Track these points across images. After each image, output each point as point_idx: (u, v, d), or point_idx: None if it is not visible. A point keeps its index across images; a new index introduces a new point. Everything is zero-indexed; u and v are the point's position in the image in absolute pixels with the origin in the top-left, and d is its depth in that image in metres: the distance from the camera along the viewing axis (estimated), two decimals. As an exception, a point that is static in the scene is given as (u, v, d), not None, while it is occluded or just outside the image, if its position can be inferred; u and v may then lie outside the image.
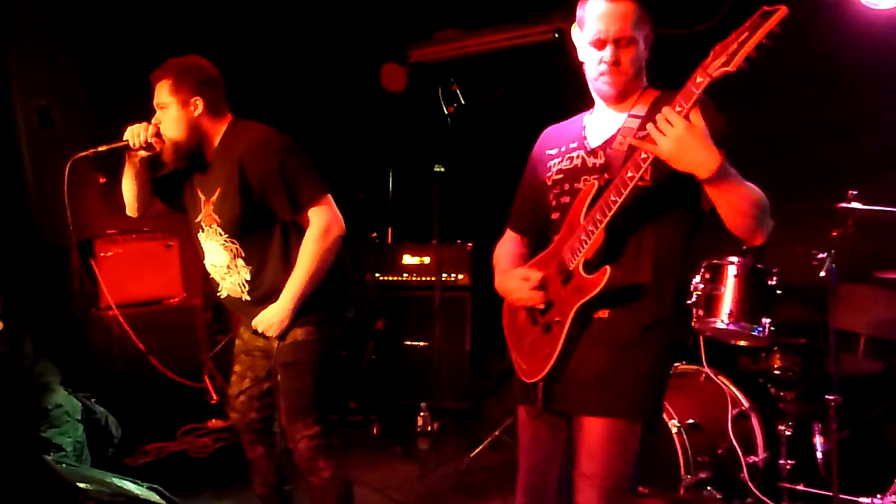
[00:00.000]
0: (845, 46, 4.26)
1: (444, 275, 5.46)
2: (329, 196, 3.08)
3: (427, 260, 5.62)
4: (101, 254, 4.67)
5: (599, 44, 2.26)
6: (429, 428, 5.17)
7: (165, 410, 4.76)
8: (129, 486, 3.53)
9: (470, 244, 5.54)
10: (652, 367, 2.30)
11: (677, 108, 2.02)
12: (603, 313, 2.30)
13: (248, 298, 3.14)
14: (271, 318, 3.05)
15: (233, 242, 3.08)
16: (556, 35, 5.13)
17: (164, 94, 3.03)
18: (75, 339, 4.57)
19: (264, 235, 3.09)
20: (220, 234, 3.08)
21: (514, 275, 2.47)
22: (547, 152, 2.53)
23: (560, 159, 2.46)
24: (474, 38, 5.70)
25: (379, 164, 6.14)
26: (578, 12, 2.34)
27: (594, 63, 2.30)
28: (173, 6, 4.95)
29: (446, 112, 4.75)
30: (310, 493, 3.21)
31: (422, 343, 5.56)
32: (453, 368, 5.34)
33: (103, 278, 4.63)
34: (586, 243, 2.23)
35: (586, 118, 2.49)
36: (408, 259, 5.67)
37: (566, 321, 2.27)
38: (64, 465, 3.70)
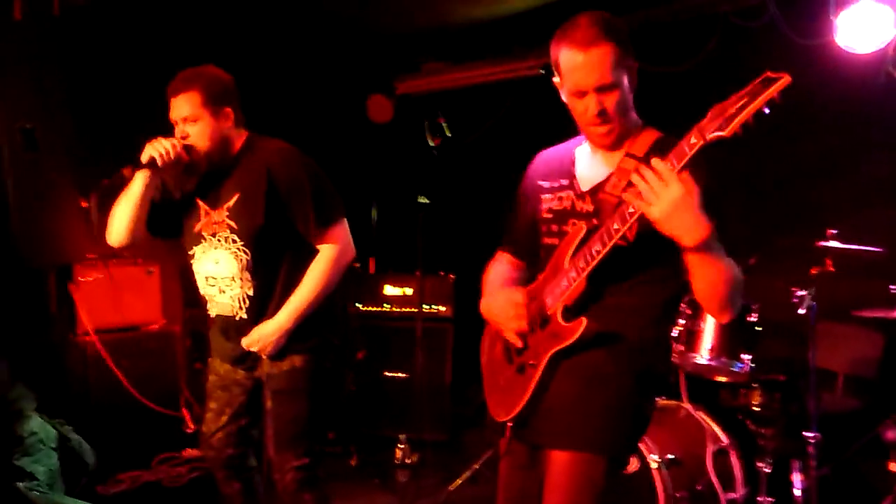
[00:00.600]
0: (825, 88, 4.31)
1: (426, 306, 5.45)
2: (346, 221, 3.07)
3: (409, 291, 5.62)
4: (81, 278, 4.62)
5: (580, 94, 2.17)
6: (408, 460, 5.13)
7: (141, 439, 4.70)
8: (101, 514, 3.50)
9: (452, 276, 5.56)
10: (622, 402, 2.24)
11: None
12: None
13: (244, 316, 3.03)
14: (268, 335, 2.96)
15: (246, 252, 2.98)
16: (543, 71, 5.18)
17: (192, 106, 2.91)
18: (52, 364, 4.51)
19: (277, 250, 3.02)
20: (234, 241, 2.98)
21: (502, 295, 2.39)
22: (539, 182, 2.46)
23: (551, 196, 2.40)
24: (461, 71, 5.80)
25: (363, 194, 6.14)
26: (552, 56, 2.24)
27: (580, 113, 2.21)
28: (157, 35, 4.98)
29: (432, 144, 4.77)
30: None
31: (402, 374, 5.55)
32: (433, 400, 5.32)
33: (82, 303, 4.58)
34: (567, 290, 2.20)
35: (578, 151, 2.41)
36: (390, 289, 5.67)
37: (539, 366, 2.23)
38: (36, 493, 3.66)
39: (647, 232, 2.09)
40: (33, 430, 3.95)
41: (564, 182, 2.38)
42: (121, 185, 2.93)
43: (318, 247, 3.02)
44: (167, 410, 4.84)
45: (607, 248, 2.09)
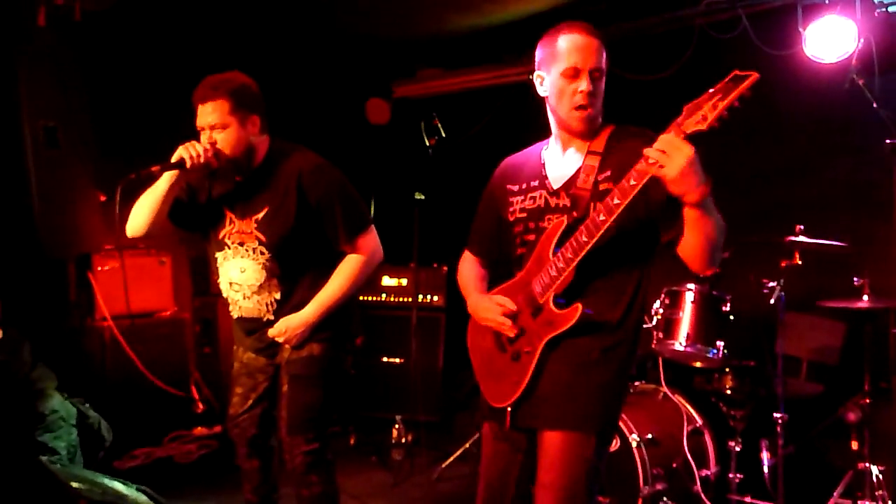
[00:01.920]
0: (793, 95, 4.37)
1: (421, 296, 5.49)
2: (373, 226, 3.05)
3: (405, 282, 5.65)
4: (98, 268, 4.64)
5: (574, 73, 2.23)
6: (403, 439, 5.20)
7: (153, 417, 4.72)
8: (118, 486, 3.51)
9: (445, 267, 5.58)
10: (608, 384, 2.29)
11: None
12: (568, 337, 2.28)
13: (272, 318, 3.00)
14: (294, 328, 2.94)
15: (273, 262, 2.94)
16: (530, 76, 5.21)
17: (220, 114, 2.83)
18: (71, 347, 4.53)
19: (305, 258, 2.98)
20: (262, 253, 2.93)
21: (488, 299, 2.45)
22: (507, 186, 2.49)
23: (522, 197, 2.42)
24: (454, 76, 5.82)
25: (362, 192, 6.12)
26: (544, 49, 2.30)
27: (568, 95, 2.25)
28: (169, 39, 4.99)
29: (427, 144, 4.79)
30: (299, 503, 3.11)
31: (398, 360, 5.59)
32: (427, 384, 5.35)
33: (99, 291, 4.60)
34: (556, 279, 2.22)
35: (545, 154, 2.44)
36: (387, 280, 5.71)
37: (535, 352, 2.26)
38: (58, 466, 3.69)
39: (626, 222, 2.16)
40: (54, 408, 3.96)
41: (535, 183, 2.41)
42: (147, 180, 2.87)
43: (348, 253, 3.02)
44: (178, 391, 4.87)
45: (595, 239, 2.13)
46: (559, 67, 2.25)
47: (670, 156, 1.99)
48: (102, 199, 4.44)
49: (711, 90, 1.95)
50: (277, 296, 2.99)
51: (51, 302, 4.56)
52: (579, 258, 2.17)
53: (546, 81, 2.32)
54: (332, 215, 2.94)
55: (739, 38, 4.38)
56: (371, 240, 3.04)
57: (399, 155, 5.89)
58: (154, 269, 4.95)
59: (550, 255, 2.26)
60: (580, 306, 2.18)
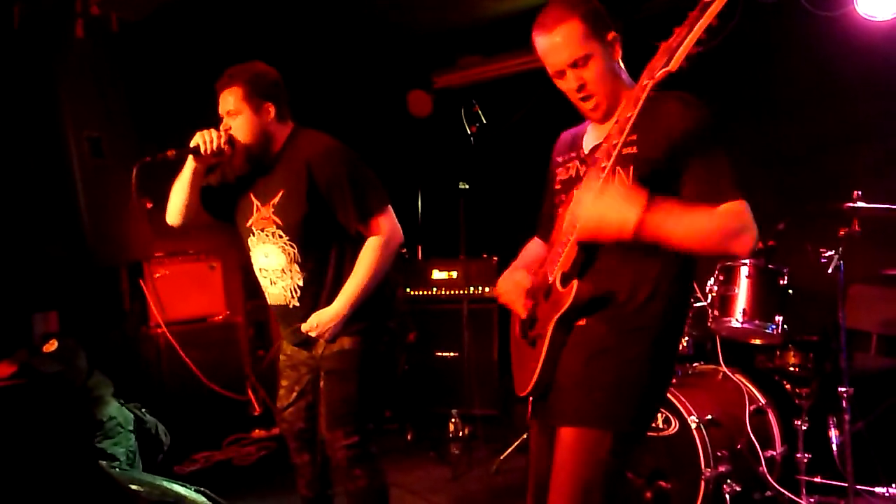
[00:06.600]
0: (846, 58, 4.25)
1: (472, 288, 5.48)
2: (390, 207, 3.04)
3: (455, 274, 5.64)
4: (150, 275, 4.75)
5: (558, 75, 2.11)
6: (460, 433, 5.17)
7: (212, 421, 4.81)
8: (177, 488, 3.59)
9: (495, 258, 5.56)
10: (628, 377, 2.08)
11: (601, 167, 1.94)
12: (582, 321, 2.11)
13: (297, 304, 3.04)
14: (326, 322, 2.95)
15: (292, 245, 2.97)
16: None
17: (234, 101, 2.91)
18: (128, 354, 4.65)
19: (323, 241, 3.00)
20: (281, 237, 2.98)
21: (512, 274, 2.34)
22: (557, 158, 2.40)
23: (563, 169, 2.33)
24: (494, 63, 5.80)
25: (408, 185, 6.17)
26: (534, 48, 2.16)
27: (567, 93, 2.15)
28: (207, 42, 5.06)
29: (469, 131, 4.77)
30: (347, 499, 3.12)
31: (452, 353, 5.58)
32: (482, 377, 5.34)
33: (152, 298, 4.71)
34: (560, 256, 2.10)
35: (590, 125, 2.33)
36: (437, 274, 5.70)
37: (546, 335, 2.11)
38: (117, 471, 3.79)
39: (643, 180, 2.02)
40: (112, 414, 4.07)
41: (573, 154, 2.31)
42: (162, 164, 2.94)
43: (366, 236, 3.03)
44: (234, 395, 4.96)
45: None
46: (548, 71, 2.15)
47: (576, 213, 1.94)
48: (149, 206, 4.53)
49: (680, 26, 1.79)
50: (300, 282, 3.01)
51: (106, 311, 4.68)
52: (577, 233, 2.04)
53: None
54: (341, 197, 2.94)
55: (787, 1, 4.20)
56: (386, 223, 3.02)
57: (442, 146, 5.87)
58: (205, 274, 5.05)
59: (561, 233, 2.15)
60: (576, 282, 2.02)
